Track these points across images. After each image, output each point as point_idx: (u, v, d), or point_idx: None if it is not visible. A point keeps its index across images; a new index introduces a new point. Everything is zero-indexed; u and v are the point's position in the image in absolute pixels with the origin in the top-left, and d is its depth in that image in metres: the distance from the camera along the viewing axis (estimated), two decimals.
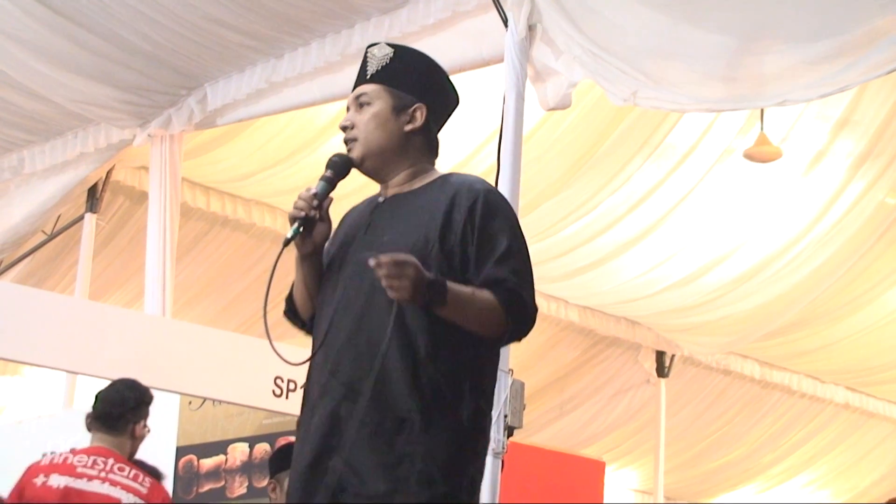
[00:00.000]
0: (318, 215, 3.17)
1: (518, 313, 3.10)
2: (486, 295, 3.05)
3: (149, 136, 8.74)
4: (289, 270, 3.31)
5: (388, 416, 3.01)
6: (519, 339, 3.19)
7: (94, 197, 9.74)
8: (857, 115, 8.66)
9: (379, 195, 3.31)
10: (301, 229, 3.15)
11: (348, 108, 3.32)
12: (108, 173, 9.69)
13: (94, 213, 9.74)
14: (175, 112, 8.56)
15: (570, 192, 9.65)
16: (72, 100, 8.53)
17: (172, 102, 8.56)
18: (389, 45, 3.33)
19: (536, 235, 9.98)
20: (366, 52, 3.34)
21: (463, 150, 8.94)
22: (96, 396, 5.39)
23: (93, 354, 7.18)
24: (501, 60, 6.50)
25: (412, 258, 2.95)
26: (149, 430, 5.45)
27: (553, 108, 6.63)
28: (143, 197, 9.68)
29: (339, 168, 3.23)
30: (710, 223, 10.07)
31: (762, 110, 8.47)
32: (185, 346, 7.42)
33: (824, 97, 6.19)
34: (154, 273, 8.61)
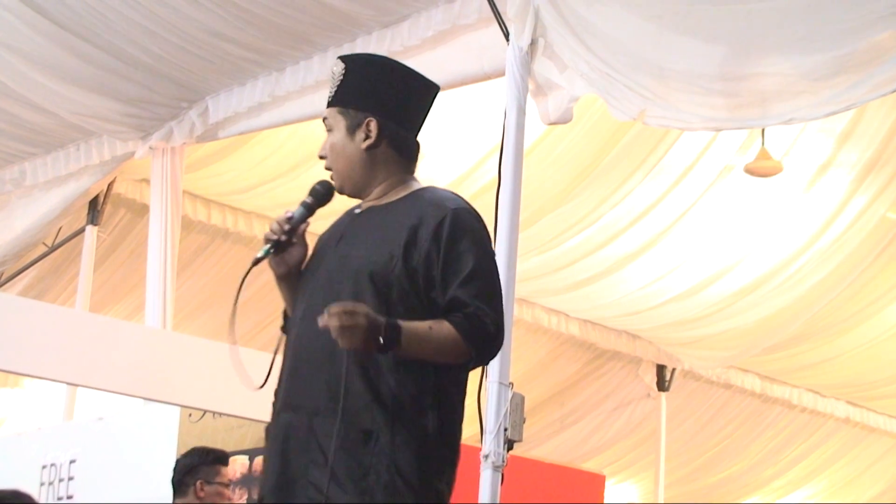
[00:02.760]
0: (289, 240, 3.22)
1: (479, 340, 3.08)
2: (444, 328, 3.05)
3: (150, 148, 8.75)
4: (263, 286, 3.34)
5: (353, 429, 3.03)
6: (484, 363, 3.20)
7: (95, 209, 9.74)
8: (859, 129, 8.66)
9: (357, 206, 3.34)
10: (272, 251, 3.20)
11: None
12: (110, 186, 9.69)
13: (96, 225, 9.75)
14: (176, 125, 8.57)
15: (572, 205, 9.64)
16: (73, 112, 8.54)
17: (174, 115, 8.57)
18: (343, 59, 3.33)
19: (537, 249, 9.98)
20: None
21: (464, 163, 8.93)
22: None
23: (93, 367, 7.18)
24: (502, 74, 6.50)
25: (363, 307, 2.96)
26: (219, 490, 5.94)
27: (554, 123, 6.62)
28: (144, 209, 9.68)
29: (319, 196, 3.28)
30: (712, 237, 10.06)
31: None
32: (185, 359, 7.42)
33: (830, 116, 6.19)
34: (155, 285, 8.61)
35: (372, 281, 3.09)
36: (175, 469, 5.99)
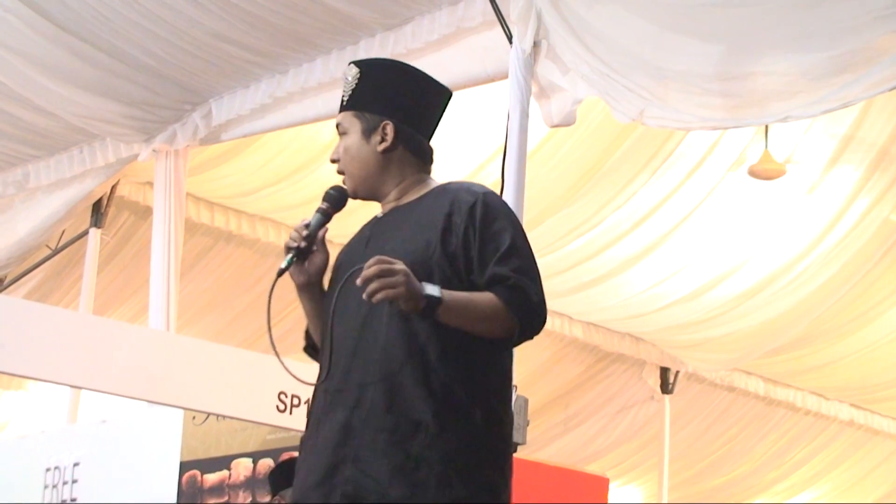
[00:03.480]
0: (308, 246, 3.21)
1: (523, 310, 3.06)
2: (487, 297, 3.03)
3: (153, 151, 8.75)
4: (289, 294, 3.33)
5: (402, 421, 3.01)
6: (530, 336, 3.13)
7: (98, 212, 9.75)
8: (862, 132, 8.65)
9: (379, 212, 3.32)
10: (294, 259, 3.19)
11: None
12: (113, 188, 9.70)
13: (99, 228, 9.75)
14: (180, 127, 8.57)
15: (575, 207, 9.65)
16: (76, 115, 8.55)
17: (177, 118, 8.57)
18: (357, 63, 3.31)
19: (540, 251, 9.96)
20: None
21: (467, 166, 8.95)
22: None
23: (97, 369, 7.17)
24: (506, 77, 6.50)
25: (398, 261, 2.94)
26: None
27: (557, 125, 6.62)
28: (147, 212, 9.68)
29: (334, 201, 3.27)
30: (715, 240, 10.06)
31: (766, 128, 8.48)
32: (189, 362, 7.41)
33: (827, 113, 6.19)
34: (158, 288, 8.61)
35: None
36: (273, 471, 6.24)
